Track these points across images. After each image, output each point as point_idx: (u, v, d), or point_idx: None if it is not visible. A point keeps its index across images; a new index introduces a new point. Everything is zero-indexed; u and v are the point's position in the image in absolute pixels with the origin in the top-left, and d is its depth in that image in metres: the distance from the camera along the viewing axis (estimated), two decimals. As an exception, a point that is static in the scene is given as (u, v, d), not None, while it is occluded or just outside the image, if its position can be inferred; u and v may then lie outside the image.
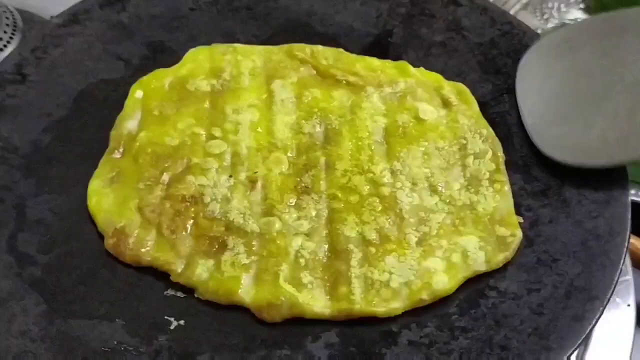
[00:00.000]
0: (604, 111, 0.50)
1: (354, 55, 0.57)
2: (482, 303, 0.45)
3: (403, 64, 0.56)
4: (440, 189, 0.49)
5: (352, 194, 0.49)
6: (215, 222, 0.47)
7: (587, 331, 0.42)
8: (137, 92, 0.54)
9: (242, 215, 0.47)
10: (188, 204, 0.48)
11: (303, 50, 0.56)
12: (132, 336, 0.43)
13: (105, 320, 0.44)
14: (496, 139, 0.52)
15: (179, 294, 0.45)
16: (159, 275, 0.46)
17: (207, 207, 0.48)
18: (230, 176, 0.49)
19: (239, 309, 0.44)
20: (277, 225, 0.47)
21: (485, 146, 0.52)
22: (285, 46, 0.57)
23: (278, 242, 0.46)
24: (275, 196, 0.48)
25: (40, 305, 0.44)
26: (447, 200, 0.49)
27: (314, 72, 0.55)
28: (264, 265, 0.45)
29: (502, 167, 0.51)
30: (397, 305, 0.44)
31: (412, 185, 0.49)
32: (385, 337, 0.44)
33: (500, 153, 0.51)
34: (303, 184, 0.49)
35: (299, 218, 0.48)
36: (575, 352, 0.44)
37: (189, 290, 0.45)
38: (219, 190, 0.48)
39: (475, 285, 0.46)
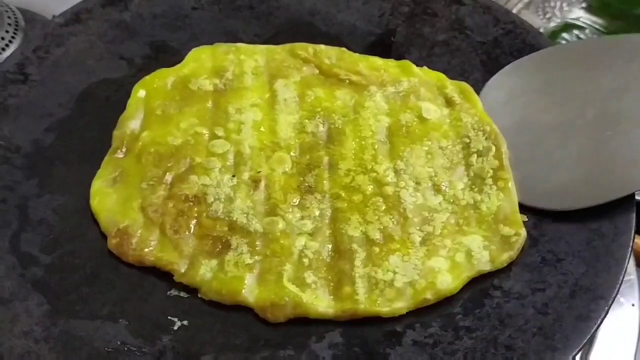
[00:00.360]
0: (567, 150, 0.49)
1: (356, 55, 0.57)
2: (486, 303, 0.45)
3: (406, 63, 0.56)
4: (443, 188, 0.49)
5: (356, 194, 0.48)
6: (218, 222, 0.47)
7: (592, 331, 0.42)
8: (139, 92, 0.54)
9: (245, 215, 0.47)
10: (191, 203, 0.48)
11: (306, 49, 0.56)
12: (135, 337, 0.43)
13: (108, 320, 0.44)
14: (499, 135, 0.52)
15: (182, 294, 0.45)
16: (162, 275, 0.46)
17: (210, 207, 0.47)
18: (234, 176, 0.49)
19: (242, 309, 0.44)
20: (281, 225, 0.47)
21: (488, 143, 0.51)
22: (288, 45, 0.57)
23: (282, 241, 0.46)
24: (279, 196, 0.48)
25: (43, 305, 0.44)
26: (451, 200, 0.49)
27: (317, 71, 0.55)
28: (267, 265, 0.45)
29: (506, 162, 0.50)
30: (401, 305, 0.44)
31: (416, 184, 0.49)
32: (390, 337, 0.43)
33: (504, 149, 0.51)
34: (306, 184, 0.49)
35: (302, 218, 0.47)
36: (580, 352, 0.44)
37: (192, 291, 0.45)
38: (222, 190, 0.48)
39: (480, 285, 0.46)
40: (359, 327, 0.44)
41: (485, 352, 0.42)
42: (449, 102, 0.54)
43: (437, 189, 0.49)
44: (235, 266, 0.45)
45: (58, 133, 0.52)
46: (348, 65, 0.56)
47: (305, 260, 0.46)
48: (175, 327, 0.44)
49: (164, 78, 0.54)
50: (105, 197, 0.48)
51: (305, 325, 0.44)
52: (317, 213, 0.48)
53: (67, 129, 0.53)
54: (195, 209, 0.47)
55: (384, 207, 0.48)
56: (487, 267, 0.46)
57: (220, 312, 0.44)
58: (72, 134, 0.53)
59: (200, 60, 0.55)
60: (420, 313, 0.44)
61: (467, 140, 0.52)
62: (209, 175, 0.49)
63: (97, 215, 0.48)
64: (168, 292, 0.45)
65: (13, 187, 0.49)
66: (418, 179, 0.49)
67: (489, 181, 0.49)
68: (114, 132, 0.52)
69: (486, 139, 0.52)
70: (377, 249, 0.46)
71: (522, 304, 0.44)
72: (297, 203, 0.48)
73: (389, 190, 0.49)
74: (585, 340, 0.42)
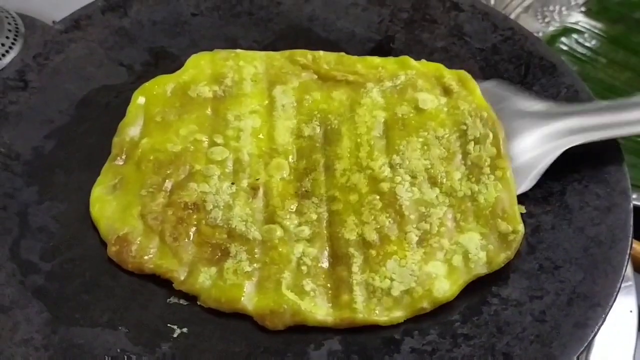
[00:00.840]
0: None
1: (355, 57, 0.57)
2: (484, 310, 0.45)
3: (405, 58, 0.56)
4: (440, 180, 0.49)
5: (352, 194, 0.48)
6: (217, 230, 0.47)
7: (590, 338, 0.42)
8: (139, 99, 0.54)
9: (244, 223, 0.47)
10: (190, 211, 0.48)
11: (305, 56, 0.56)
12: (135, 344, 0.43)
13: (108, 328, 0.44)
14: (497, 121, 0.51)
15: (182, 301, 0.45)
16: (162, 283, 0.46)
17: (209, 215, 0.47)
18: (233, 183, 0.49)
19: (241, 317, 0.44)
20: (279, 232, 0.47)
21: (485, 130, 0.51)
22: (287, 52, 0.57)
23: (280, 249, 0.46)
24: (277, 203, 0.48)
25: (43, 313, 0.44)
26: (448, 192, 0.48)
27: (315, 76, 0.55)
28: (266, 272, 0.45)
29: (504, 150, 0.50)
30: (399, 314, 0.44)
31: (412, 178, 0.49)
32: (388, 344, 0.44)
33: (502, 135, 0.51)
34: (303, 189, 0.49)
35: (300, 224, 0.48)
36: (577, 359, 0.44)
37: (191, 298, 0.45)
38: (221, 197, 0.48)
39: (478, 292, 0.46)
40: (358, 334, 0.44)
41: (483, 360, 0.42)
42: (446, 91, 0.54)
43: (433, 182, 0.49)
44: (234, 274, 0.45)
45: (58, 140, 0.53)
46: (346, 68, 0.55)
47: (304, 268, 0.46)
48: (175, 335, 0.44)
49: (164, 85, 0.54)
50: (105, 204, 0.49)
51: (304, 333, 0.44)
52: (314, 217, 0.48)
53: (67, 136, 0.53)
54: (195, 217, 0.48)
55: (380, 206, 0.48)
56: (484, 270, 0.46)
57: (220, 320, 0.45)
58: (72, 140, 0.53)
59: (200, 67, 0.55)
60: (419, 320, 0.45)
61: (464, 128, 0.51)
62: (208, 182, 0.49)
63: (97, 223, 0.48)
64: (167, 300, 0.45)
65: (13, 195, 0.49)
66: (414, 173, 0.49)
67: (487, 170, 0.49)
68: (114, 139, 0.52)
69: (483, 125, 0.51)
70: (374, 252, 0.46)
71: (519, 312, 0.44)
72: (294, 209, 0.48)
73: (385, 187, 0.48)
74: (582, 348, 0.42)
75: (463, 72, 0.55)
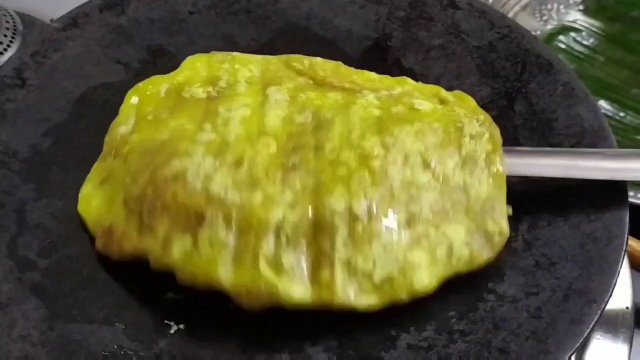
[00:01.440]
0: None
1: (352, 69, 0.56)
2: (480, 306, 0.45)
3: (403, 78, 0.55)
4: (433, 164, 0.48)
5: (341, 167, 0.47)
6: (195, 195, 0.45)
7: (585, 334, 0.42)
8: (132, 98, 0.53)
9: (223, 188, 0.45)
10: (170, 182, 0.46)
11: (301, 61, 0.55)
12: (132, 340, 0.43)
13: (105, 324, 0.44)
14: (493, 124, 0.51)
15: (179, 297, 0.45)
16: (159, 279, 0.46)
17: (188, 184, 0.45)
18: (216, 158, 0.47)
19: (238, 314, 0.44)
20: (259, 197, 0.45)
21: (482, 129, 0.50)
22: (284, 56, 0.56)
23: (259, 214, 0.44)
24: (261, 173, 0.46)
25: (40, 309, 0.44)
26: (440, 179, 0.47)
27: (311, 82, 0.55)
28: (243, 242, 0.44)
29: (500, 149, 0.49)
30: (375, 302, 0.43)
31: (404, 159, 0.47)
32: (384, 340, 0.44)
33: (498, 136, 0.50)
34: (291, 163, 0.47)
35: (283, 191, 0.45)
36: (574, 355, 0.44)
37: (188, 295, 0.45)
38: (202, 169, 0.46)
39: (474, 289, 0.46)
40: (354, 330, 0.44)
41: (479, 356, 0.42)
42: (442, 102, 0.53)
43: (426, 165, 0.47)
44: (210, 246, 0.43)
45: (55, 138, 0.53)
46: (342, 78, 0.55)
47: (283, 238, 0.44)
48: (172, 331, 0.44)
49: (158, 85, 0.54)
50: (92, 199, 0.48)
51: (300, 328, 0.44)
52: (298, 187, 0.45)
53: (65, 134, 0.53)
54: (173, 187, 0.45)
55: (369, 182, 0.46)
56: (465, 268, 0.45)
57: (216, 316, 0.45)
58: (70, 138, 0.53)
59: (195, 69, 0.54)
60: (415, 316, 0.45)
61: (460, 125, 0.50)
62: (191, 159, 0.46)
63: (85, 220, 0.48)
64: (164, 296, 0.46)
65: (10, 192, 0.49)
66: (407, 154, 0.48)
67: (481, 164, 0.48)
68: (105, 138, 0.52)
69: (480, 125, 0.50)
70: (360, 228, 0.44)
71: (515, 308, 0.44)
72: (279, 178, 0.46)
73: (376, 164, 0.47)
74: (578, 344, 0.42)
75: (460, 92, 0.55)
